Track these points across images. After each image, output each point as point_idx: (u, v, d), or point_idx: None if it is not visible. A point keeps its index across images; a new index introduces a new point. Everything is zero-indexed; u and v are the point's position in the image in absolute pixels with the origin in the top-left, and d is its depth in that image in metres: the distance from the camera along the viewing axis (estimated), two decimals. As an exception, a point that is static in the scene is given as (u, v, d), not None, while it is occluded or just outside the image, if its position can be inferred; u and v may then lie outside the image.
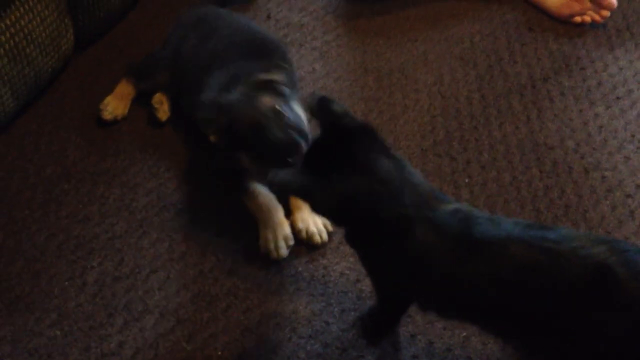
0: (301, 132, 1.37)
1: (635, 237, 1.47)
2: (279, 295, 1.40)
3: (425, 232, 1.11)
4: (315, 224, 1.47)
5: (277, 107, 1.39)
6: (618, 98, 1.77)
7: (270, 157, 1.36)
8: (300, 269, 1.44)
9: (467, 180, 1.59)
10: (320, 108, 1.15)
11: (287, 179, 1.16)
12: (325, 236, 1.47)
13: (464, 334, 1.33)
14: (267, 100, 1.40)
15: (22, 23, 1.66)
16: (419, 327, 1.34)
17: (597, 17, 1.94)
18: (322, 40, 1.95)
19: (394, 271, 1.17)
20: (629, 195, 1.55)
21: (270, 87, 1.43)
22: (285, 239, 1.45)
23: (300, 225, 1.47)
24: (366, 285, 1.39)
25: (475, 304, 1.12)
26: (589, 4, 1.93)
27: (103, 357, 1.33)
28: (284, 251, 1.44)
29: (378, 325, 1.33)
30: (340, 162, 1.12)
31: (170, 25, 1.80)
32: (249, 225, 1.50)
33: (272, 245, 1.44)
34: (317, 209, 1.22)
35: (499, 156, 1.64)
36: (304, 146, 1.34)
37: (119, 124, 1.74)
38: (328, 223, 1.47)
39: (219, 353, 1.33)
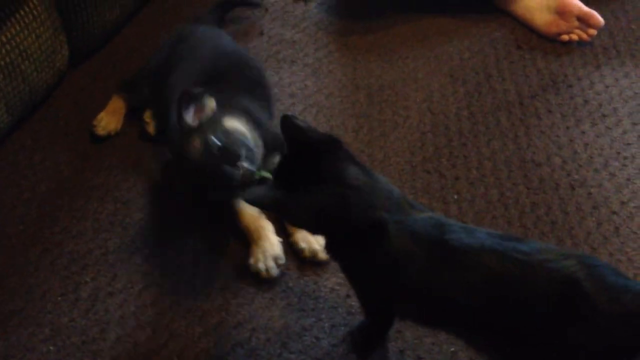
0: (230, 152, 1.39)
1: (620, 253, 1.50)
2: (269, 311, 1.42)
3: (399, 237, 1.13)
4: (317, 241, 1.47)
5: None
6: (604, 115, 1.80)
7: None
8: (290, 284, 1.46)
9: (455, 197, 1.62)
10: (284, 125, 1.18)
11: (260, 195, 1.19)
12: None
13: (452, 349, 1.35)
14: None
15: (18, 40, 1.68)
16: (408, 342, 1.36)
17: (584, 36, 1.97)
18: (314, 57, 1.98)
19: (371, 278, 1.19)
20: (614, 212, 1.58)
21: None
22: (276, 259, 1.46)
23: (303, 244, 1.48)
24: (356, 300, 1.41)
25: (448, 311, 1.14)
26: (576, 23, 1.96)
27: (96, 372, 1.35)
28: (274, 271, 1.45)
29: (367, 339, 1.35)
30: (310, 175, 1.14)
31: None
32: (241, 241, 1.51)
33: (262, 266, 1.45)
34: (292, 222, 1.24)
35: (487, 173, 1.67)
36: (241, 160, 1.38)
37: (111, 139, 1.76)
38: None
39: (211, 368, 1.35)
